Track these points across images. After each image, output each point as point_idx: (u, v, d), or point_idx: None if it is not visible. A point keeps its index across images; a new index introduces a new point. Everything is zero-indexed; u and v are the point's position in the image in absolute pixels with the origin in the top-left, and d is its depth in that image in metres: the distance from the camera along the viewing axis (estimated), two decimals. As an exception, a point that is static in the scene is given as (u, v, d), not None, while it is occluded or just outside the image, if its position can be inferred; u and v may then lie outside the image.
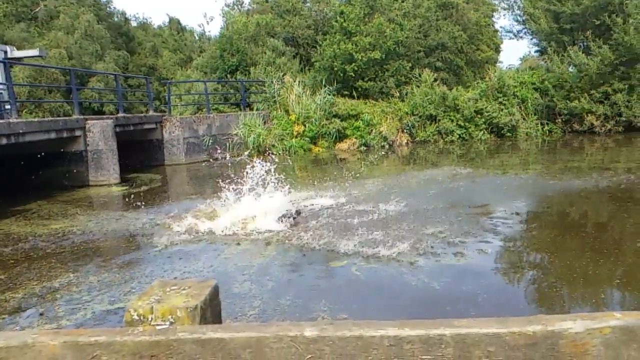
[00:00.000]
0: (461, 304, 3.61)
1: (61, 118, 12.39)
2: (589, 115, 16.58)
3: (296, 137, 15.60)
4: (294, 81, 16.86)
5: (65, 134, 10.16)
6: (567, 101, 16.97)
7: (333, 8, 20.40)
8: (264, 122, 15.89)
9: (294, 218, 6.15)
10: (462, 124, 16.75)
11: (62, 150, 10.44)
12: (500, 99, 17.04)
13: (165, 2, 61.16)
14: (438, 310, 3.53)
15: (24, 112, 22.90)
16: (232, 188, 6.53)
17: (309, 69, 19.90)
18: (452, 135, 16.67)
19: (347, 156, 14.52)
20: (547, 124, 17.45)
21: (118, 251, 5.58)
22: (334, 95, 16.67)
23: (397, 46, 17.63)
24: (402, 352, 1.55)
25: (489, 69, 18.77)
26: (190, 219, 6.28)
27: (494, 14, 23.35)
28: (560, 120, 17.45)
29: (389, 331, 1.57)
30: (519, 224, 5.88)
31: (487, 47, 21.49)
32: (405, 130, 16.73)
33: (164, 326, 1.70)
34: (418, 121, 16.76)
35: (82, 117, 10.98)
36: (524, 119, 17.20)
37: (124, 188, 10.14)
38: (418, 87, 17.26)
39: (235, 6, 25.85)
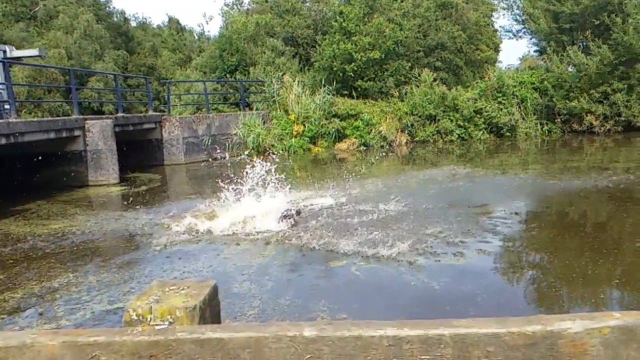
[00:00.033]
0: (460, 303, 3.62)
1: (60, 118, 12.37)
2: (588, 115, 16.57)
3: (295, 136, 15.60)
4: (294, 81, 16.85)
5: (64, 134, 10.15)
6: (567, 101, 16.97)
7: (332, 8, 20.39)
8: (264, 122, 15.88)
9: (293, 218, 6.14)
10: (462, 123, 16.75)
11: (61, 150, 10.43)
12: (499, 99, 17.03)
13: (165, 2, 61.25)
14: (437, 310, 3.53)
15: (23, 112, 22.90)
16: (232, 188, 6.53)
17: (308, 69, 19.90)
18: (452, 135, 16.66)
19: (347, 156, 14.52)
20: (547, 123, 17.44)
21: (117, 251, 5.58)
22: (333, 95, 16.66)
23: (396, 46, 17.62)
24: (401, 352, 1.55)
25: (488, 69, 18.78)
26: (189, 218, 6.28)
27: (493, 13, 23.39)
28: (559, 120, 17.44)
29: (388, 331, 1.56)
30: (518, 223, 5.88)
31: (487, 47, 21.52)
32: (404, 130, 16.72)
33: (163, 326, 1.70)
34: (417, 121, 16.75)
35: (81, 117, 10.97)
36: (523, 118, 17.19)
37: (124, 188, 10.14)
38: (417, 86, 17.25)
39: (234, 6, 25.88)
